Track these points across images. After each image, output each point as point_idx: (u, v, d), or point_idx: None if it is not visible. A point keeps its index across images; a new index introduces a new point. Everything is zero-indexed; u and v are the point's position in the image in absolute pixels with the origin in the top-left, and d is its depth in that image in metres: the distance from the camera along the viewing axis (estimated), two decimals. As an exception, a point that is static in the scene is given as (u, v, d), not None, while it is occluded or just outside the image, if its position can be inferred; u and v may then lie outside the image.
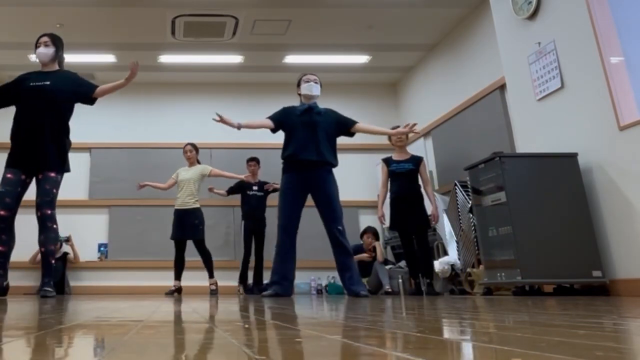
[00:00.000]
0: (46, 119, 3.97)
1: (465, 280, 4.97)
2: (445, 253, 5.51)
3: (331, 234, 4.37)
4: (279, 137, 4.80)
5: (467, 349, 0.83)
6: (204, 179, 6.48)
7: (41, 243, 3.90)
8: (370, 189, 7.54)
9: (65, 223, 7.41)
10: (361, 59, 7.40)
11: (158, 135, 7.87)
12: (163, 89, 8.13)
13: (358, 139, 7.68)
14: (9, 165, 3.99)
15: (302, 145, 4.45)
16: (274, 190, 6.60)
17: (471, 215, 4.78)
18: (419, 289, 5.19)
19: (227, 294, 6.70)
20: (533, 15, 4.57)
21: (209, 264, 6.26)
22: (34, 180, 4.04)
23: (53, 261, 4.01)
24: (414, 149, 6.55)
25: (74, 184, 7.64)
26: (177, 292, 6.20)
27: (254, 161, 6.96)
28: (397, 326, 1.22)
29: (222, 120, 4.46)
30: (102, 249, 7.52)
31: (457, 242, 5.26)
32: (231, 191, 6.94)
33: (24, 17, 6.15)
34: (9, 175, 3.96)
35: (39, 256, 7.27)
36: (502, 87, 5.51)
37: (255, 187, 6.85)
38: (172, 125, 7.91)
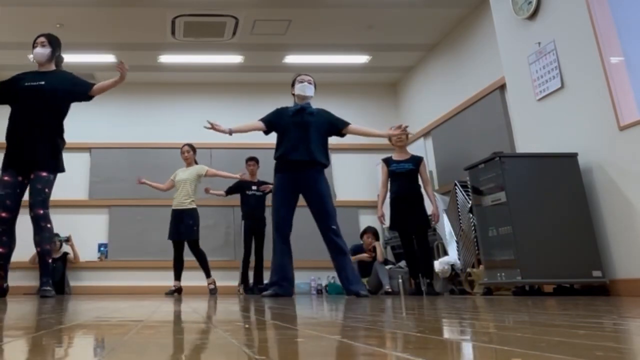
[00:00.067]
0: (40, 119, 3.96)
1: (465, 280, 4.97)
2: (445, 253, 5.51)
3: (325, 234, 4.36)
4: (279, 137, 4.80)
5: (467, 349, 0.83)
6: (200, 180, 6.48)
7: (37, 243, 3.88)
8: (370, 189, 7.54)
9: (65, 223, 7.42)
10: (361, 59, 7.40)
11: (158, 135, 7.87)
12: (163, 89, 8.13)
13: (358, 139, 7.69)
14: (5, 167, 3.98)
15: (293, 145, 4.45)
16: (270, 191, 6.61)
17: (471, 215, 4.78)
18: (419, 289, 5.19)
19: (227, 294, 6.70)
20: (533, 15, 4.57)
21: (204, 264, 6.25)
22: None
23: (50, 260, 4.00)
24: (414, 149, 6.55)
25: (74, 184, 7.65)
26: (177, 292, 6.20)
27: (253, 161, 6.96)
28: (397, 326, 1.22)
29: (213, 127, 4.48)
30: (102, 249, 7.52)
31: (457, 242, 5.26)
32: (230, 191, 6.94)
33: (24, 17, 6.15)
34: (6, 178, 3.95)
35: (39, 256, 7.30)
36: (502, 87, 5.51)
37: (254, 187, 6.85)
38: (172, 125, 7.91)
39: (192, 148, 6.56)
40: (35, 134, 3.94)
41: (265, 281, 6.11)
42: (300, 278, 6.99)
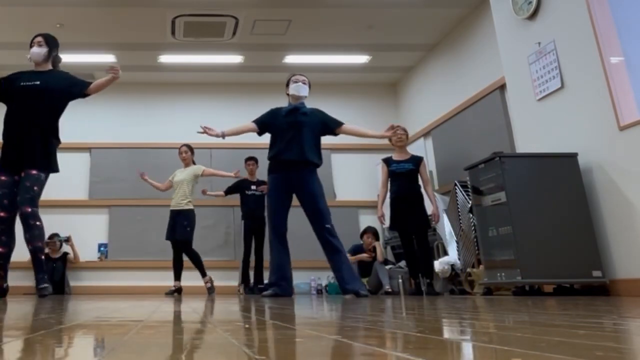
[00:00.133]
0: (34, 118, 3.95)
1: (465, 280, 4.97)
2: (445, 253, 5.50)
3: (319, 233, 4.35)
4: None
5: (467, 349, 0.83)
6: (197, 180, 6.48)
7: (27, 241, 3.83)
8: (370, 189, 7.54)
9: (65, 223, 7.42)
10: (361, 59, 7.40)
11: (158, 135, 7.87)
12: (163, 89, 8.13)
13: (358, 139, 7.69)
14: (2, 166, 3.96)
15: (285, 145, 4.46)
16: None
17: (471, 215, 4.78)
18: (419, 289, 5.19)
19: (227, 294, 6.70)
20: (533, 15, 4.57)
21: (198, 265, 6.24)
22: None
23: (43, 257, 3.96)
24: (414, 149, 6.55)
25: (74, 184, 7.65)
26: (177, 292, 6.20)
27: (252, 160, 6.96)
28: (397, 326, 1.22)
29: (205, 132, 4.51)
30: (102, 249, 7.52)
31: (457, 242, 5.26)
32: (230, 191, 6.94)
33: (24, 17, 6.15)
34: (2, 178, 3.94)
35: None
36: (502, 87, 5.51)
37: (253, 187, 6.85)
38: (172, 125, 7.91)
39: (190, 148, 6.57)
40: (29, 134, 3.92)
41: (265, 281, 6.12)
42: (300, 278, 6.99)
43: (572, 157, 4.08)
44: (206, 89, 8.14)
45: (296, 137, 4.45)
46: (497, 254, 4.05)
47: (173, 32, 6.56)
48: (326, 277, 7.15)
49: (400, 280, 5.83)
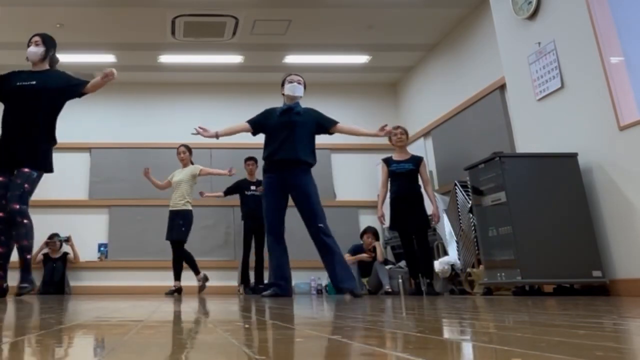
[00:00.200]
0: (30, 118, 3.93)
1: (465, 280, 4.97)
2: (445, 253, 5.50)
3: (312, 233, 4.34)
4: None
5: (467, 349, 0.83)
6: (196, 180, 6.49)
7: (14, 239, 3.79)
8: (370, 189, 7.54)
9: (65, 223, 7.42)
10: (361, 59, 7.40)
11: (158, 135, 7.87)
12: (163, 89, 8.12)
13: (358, 139, 7.69)
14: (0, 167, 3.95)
15: (279, 145, 4.47)
16: None
17: (471, 215, 4.78)
18: (419, 289, 5.19)
19: (227, 293, 6.70)
20: (533, 15, 4.57)
21: (191, 264, 6.25)
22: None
23: (29, 257, 3.88)
24: (414, 149, 6.55)
25: (74, 184, 7.65)
26: (177, 292, 6.20)
27: (252, 160, 6.96)
28: (397, 326, 1.22)
29: (200, 133, 4.55)
30: (102, 249, 7.52)
31: (457, 242, 5.26)
32: (229, 192, 6.94)
33: (24, 17, 6.15)
34: (0, 178, 3.93)
35: (39, 256, 7.30)
36: (502, 87, 5.51)
37: (253, 187, 6.86)
38: (172, 125, 7.91)
39: (188, 149, 6.58)
40: (24, 133, 3.90)
41: (265, 281, 6.11)
42: (300, 278, 6.99)
43: (572, 157, 4.08)
44: (206, 89, 8.14)
45: (290, 137, 4.46)
46: (497, 254, 4.05)
47: (173, 32, 6.56)
48: (326, 277, 7.14)
49: (400, 280, 5.83)
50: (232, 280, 7.05)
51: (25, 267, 3.86)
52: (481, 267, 4.47)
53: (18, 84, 4.01)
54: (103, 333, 1.12)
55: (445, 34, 6.74)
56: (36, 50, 4.12)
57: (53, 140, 4.06)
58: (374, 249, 6.35)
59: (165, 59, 7.31)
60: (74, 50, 6.82)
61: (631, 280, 3.68)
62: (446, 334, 1.05)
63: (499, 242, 4.02)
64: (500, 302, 2.81)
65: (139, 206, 7.58)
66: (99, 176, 7.73)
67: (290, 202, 4.51)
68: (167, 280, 6.58)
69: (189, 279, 6.48)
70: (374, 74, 7.94)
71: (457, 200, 5.29)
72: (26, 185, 3.82)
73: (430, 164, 6.74)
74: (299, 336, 1.01)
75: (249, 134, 4.82)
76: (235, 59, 7.34)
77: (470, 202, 4.83)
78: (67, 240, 7.27)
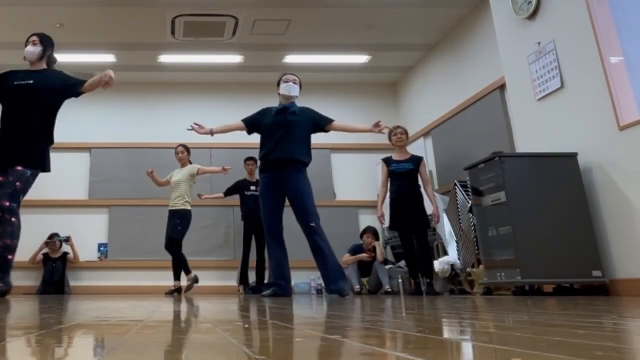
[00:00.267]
0: (27, 118, 3.91)
1: (465, 280, 4.97)
2: (445, 253, 5.50)
3: (305, 232, 4.35)
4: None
5: (467, 349, 0.83)
6: (195, 179, 6.51)
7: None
8: (370, 189, 7.54)
9: (65, 223, 7.42)
10: (361, 59, 7.40)
11: (158, 135, 7.87)
12: (163, 89, 8.12)
13: (358, 139, 7.70)
14: None
15: (274, 145, 4.49)
16: None
17: (471, 215, 4.78)
18: (419, 289, 5.19)
19: (227, 294, 6.70)
20: (533, 15, 4.57)
21: (183, 264, 6.23)
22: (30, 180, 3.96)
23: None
24: (414, 149, 6.55)
25: (74, 184, 7.65)
26: (177, 292, 6.20)
27: (251, 160, 6.96)
28: (397, 326, 1.22)
29: (195, 130, 4.58)
30: (102, 249, 7.52)
31: (457, 242, 5.26)
32: (229, 192, 6.94)
33: (24, 17, 6.15)
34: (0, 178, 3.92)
35: (39, 256, 7.30)
36: (502, 87, 5.51)
37: (253, 188, 6.86)
38: (172, 125, 7.90)
39: (187, 149, 6.60)
40: (21, 132, 3.88)
41: (266, 281, 6.11)
42: (300, 278, 6.99)
43: (572, 157, 4.08)
44: (206, 89, 8.14)
45: (285, 136, 4.47)
46: (497, 254, 4.05)
47: (173, 32, 6.56)
48: (326, 277, 7.15)
49: (400, 280, 5.83)
50: (232, 280, 7.04)
51: (4, 267, 3.75)
52: (481, 267, 4.47)
53: (16, 83, 3.99)
54: (103, 333, 1.12)
55: (445, 34, 6.74)
56: (34, 49, 4.12)
57: (51, 140, 4.03)
58: (374, 249, 6.35)
59: (165, 59, 7.31)
60: (74, 50, 6.82)
61: (631, 280, 3.68)
62: (446, 334, 1.05)
63: (499, 242, 4.02)
64: (500, 302, 2.81)
65: (139, 206, 7.58)
66: (99, 176, 7.73)
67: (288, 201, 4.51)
68: (167, 280, 6.58)
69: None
70: (374, 74, 7.94)
71: (457, 200, 5.29)
72: (18, 184, 3.77)
73: (430, 164, 6.74)
74: (299, 336, 1.01)
75: (246, 133, 4.84)
76: (235, 59, 7.34)
77: (470, 202, 4.83)
78: (67, 240, 7.27)
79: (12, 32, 6.46)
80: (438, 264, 5.24)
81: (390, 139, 5.51)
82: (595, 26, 3.95)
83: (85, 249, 7.43)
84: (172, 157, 6.83)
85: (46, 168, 3.98)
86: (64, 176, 7.41)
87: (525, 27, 4.68)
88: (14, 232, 3.74)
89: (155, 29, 6.50)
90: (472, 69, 6.17)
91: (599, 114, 3.93)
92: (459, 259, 5.18)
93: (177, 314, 1.83)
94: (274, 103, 4.89)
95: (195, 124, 4.63)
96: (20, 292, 6.62)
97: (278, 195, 4.48)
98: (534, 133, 4.56)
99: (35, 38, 4.16)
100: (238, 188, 6.91)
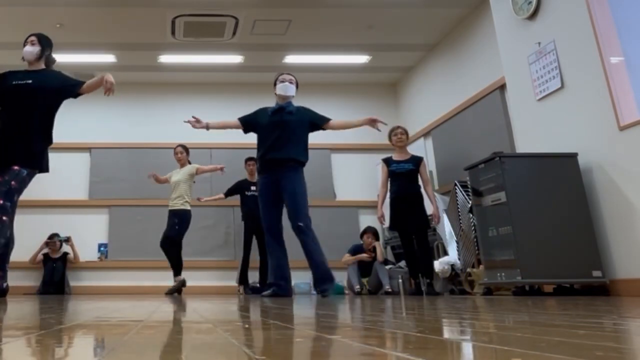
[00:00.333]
0: (26, 117, 3.90)
1: (465, 280, 4.97)
2: (445, 253, 5.50)
3: (293, 231, 4.37)
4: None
5: (467, 349, 0.83)
6: (194, 179, 6.51)
7: None
8: (370, 189, 7.54)
9: (65, 223, 7.42)
10: (361, 59, 7.40)
11: (158, 135, 7.87)
12: (163, 89, 8.12)
13: (358, 139, 7.70)
14: None
15: (270, 145, 4.50)
16: None
17: (471, 215, 4.78)
18: (419, 289, 5.19)
19: (227, 293, 6.70)
20: (533, 15, 4.57)
21: (177, 265, 6.23)
22: (28, 180, 3.96)
23: None
24: (414, 149, 6.55)
25: (74, 184, 7.65)
26: (177, 292, 6.20)
27: (252, 160, 6.96)
28: (397, 326, 1.22)
29: (192, 122, 4.59)
30: (102, 249, 7.52)
31: (457, 242, 5.26)
32: (230, 192, 6.94)
33: (24, 17, 6.15)
34: None
35: (39, 256, 7.30)
36: (502, 87, 5.51)
37: (253, 188, 6.85)
38: (172, 125, 7.90)
39: (185, 149, 6.61)
40: (20, 132, 3.87)
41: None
42: (300, 278, 6.99)
43: (572, 157, 4.08)
44: (206, 89, 8.14)
45: (282, 136, 4.48)
46: (497, 254, 4.05)
47: (173, 32, 6.56)
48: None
49: (400, 280, 5.83)
50: (232, 280, 7.04)
51: None
52: (481, 267, 4.47)
53: (14, 82, 3.99)
54: (103, 333, 1.12)
55: (445, 34, 6.74)
56: (32, 49, 4.11)
57: (49, 140, 4.01)
58: (374, 249, 6.35)
59: (165, 59, 7.30)
60: (74, 50, 6.82)
61: (631, 280, 3.68)
62: (446, 334, 1.05)
63: (499, 242, 4.02)
64: (500, 302, 2.81)
65: (139, 206, 7.58)
66: (99, 176, 7.73)
67: None
68: (167, 280, 6.58)
69: (189, 279, 6.48)
70: (374, 74, 7.94)
71: (457, 200, 5.29)
72: (13, 183, 3.75)
73: (430, 164, 6.74)
74: (299, 336, 1.01)
75: (242, 132, 4.84)
76: (235, 59, 7.33)
77: (470, 202, 4.83)
78: (67, 240, 7.27)
79: (12, 32, 6.45)
80: (438, 264, 5.24)
81: (390, 139, 5.51)
82: (595, 26, 3.95)
83: (85, 249, 7.42)
84: (172, 157, 6.83)
85: (44, 168, 3.96)
86: (64, 176, 7.41)
87: (525, 27, 4.68)
88: (2, 231, 3.69)
89: (155, 29, 6.50)
90: (472, 69, 6.17)
91: (599, 114, 3.93)
92: (459, 259, 5.18)
93: (177, 314, 1.83)
94: (273, 103, 4.89)
95: (193, 117, 4.64)
96: (20, 292, 6.62)
97: (276, 195, 4.49)
98: (534, 133, 4.56)
99: (33, 38, 4.16)
100: (238, 188, 6.91)
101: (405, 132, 5.51)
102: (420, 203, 5.27)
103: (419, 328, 1.16)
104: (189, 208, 6.33)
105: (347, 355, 0.76)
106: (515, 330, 1.08)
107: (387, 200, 5.40)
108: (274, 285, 4.40)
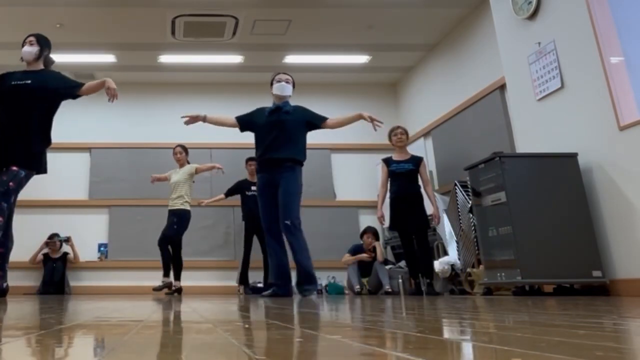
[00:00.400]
0: (25, 117, 3.90)
1: (465, 280, 4.97)
2: (445, 253, 5.50)
3: (282, 230, 4.38)
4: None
5: (467, 349, 0.83)
6: (193, 179, 6.52)
7: None
8: (370, 189, 7.54)
9: (65, 223, 7.42)
10: (361, 59, 7.40)
11: (158, 135, 7.87)
12: (163, 89, 8.12)
13: (358, 139, 7.70)
14: None
15: (268, 144, 4.50)
16: None
17: (471, 215, 4.78)
18: (419, 289, 5.19)
19: (227, 294, 6.70)
20: (533, 15, 4.57)
21: (175, 267, 6.23)
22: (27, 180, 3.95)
23: None
24: (414, 149, 6.55)
25: (74, 184, 7.65)
26: (177, 292, 6.20)
27: (253, 160, 6.96)
28: (397, 326, 1.22)
29: (189, 117, 4.59)
30: (102, 249, 7.52)
31: (457, 242, 5.26)
32: (230, 193, 6.94)
33: (24, 17, 6.15)
34: None
35: (39, 256, 7.30)
36: (502, 87, 5.51)
37: (253, 188, 6.85)
38: (172, 126, 7.88)
39: (184, 149, 6.61)
40: (18, 133, 3.87)
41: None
42: (300, 278, 6.98)
43: (572, 157, 4.08)
44: (206, 89, 8.14)
45: (279, 136, 4.48)
46: (497, 254, 4.05)
47: (173, 32, 6.56)
48: (326, 277, 7.16)
49: (400, 280, 5.83)
50: (232, 280, 7.04)
51: None
52: (481, 267, 4.47)
53: (13, 83, 3.99)
54: (103, 333, 1.12)
55: (445, 34, 6.74)
56: (30, 49, 4.11)
57: (48, 141, 3.99)
58: (374, 249, 6.35)
59: (165, 59, 7.30)
60: (74, 50, 6.82)
61: (631, 280, 3.68)
62: (446, 334, 1.05)
63: (499, 242, 4.02)
64: (500, 302, 2.81)
65: (139, 206, 7.58)
66: (99, 176, 7.73)
67: None
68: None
69: (189, 279, 6.48)
70: (374, 74, 7.94)
71: (457, 200, 5.29)
72: (11, 184, 3.74)
73: (430, 164, 6.74)
74: (299, 336, 1.01)
75: (247, 134, 4.84)
76: (235, 59, 7.33)
77: (470, 202, 4.83)
78: (67, 240, 7.27)
79: (12, 32, 6.45)
80: (438, 264, 5.24)
81: (390, 139, 5.51)
82: (595, 26, 3.95)
83: (85, 249, 7.42)
84: (172, 157, 6.83)
85: (41, 170, 3.95)
86: (64, 176, 7.41)
87: (525, 27, 4.68)
88: None
89: (155, 29, 6.50)
90: (472, 69, 6.17)
91: (599, 114, 3.93)
92: (459, 259, 5.18)
93: (177, 314, 1.83)
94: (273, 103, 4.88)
95: (188, 115, 4.63)
96: (20, 292, 6.62)
97: (275, 195, 4.49)
98: (534, 133, 4.56)
99: (32, 38, 4.16)
100: (239, 188, 6.91)
101: (405, 132, 5.51)
102: (420, 203, 5.27)
103: (419, 328, 1.16)
104: (188, 208, 6.33)
105: (347, 355, 0.76)
106: (515, 330, 1.08)
107: (387, 200, 5.40)
108: (274, 285, 4.40)
